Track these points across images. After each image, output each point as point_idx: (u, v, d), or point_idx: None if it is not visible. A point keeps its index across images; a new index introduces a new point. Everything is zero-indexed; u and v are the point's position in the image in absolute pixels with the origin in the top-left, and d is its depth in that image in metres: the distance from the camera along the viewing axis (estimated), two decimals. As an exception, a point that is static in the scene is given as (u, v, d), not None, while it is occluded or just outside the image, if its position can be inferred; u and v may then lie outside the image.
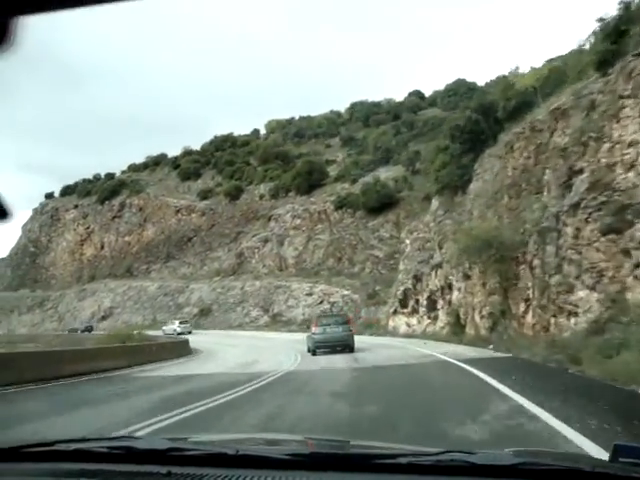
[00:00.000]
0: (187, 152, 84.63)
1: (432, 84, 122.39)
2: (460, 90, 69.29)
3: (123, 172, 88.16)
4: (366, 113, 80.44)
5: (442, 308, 20.61)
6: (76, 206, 79.68)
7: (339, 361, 14.97)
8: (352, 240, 42.03)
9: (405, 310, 25.20)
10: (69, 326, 60.87)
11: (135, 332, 28.53)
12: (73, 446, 1.77)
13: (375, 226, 41.28)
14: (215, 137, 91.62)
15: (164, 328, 40.88)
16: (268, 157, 68.53)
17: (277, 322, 38.93)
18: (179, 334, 37.76)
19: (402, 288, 25.12)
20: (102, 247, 73.51)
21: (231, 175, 69.00)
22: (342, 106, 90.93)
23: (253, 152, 75.31)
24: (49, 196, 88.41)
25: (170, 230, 66.68)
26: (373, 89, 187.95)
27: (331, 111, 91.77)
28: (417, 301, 23.64)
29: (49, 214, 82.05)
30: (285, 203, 53.06)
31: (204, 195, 67.73)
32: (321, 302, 36.45)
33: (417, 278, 23.24)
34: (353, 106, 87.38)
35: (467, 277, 16.98)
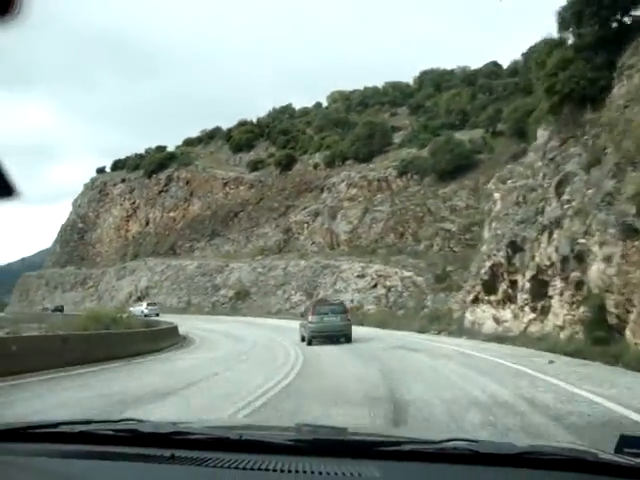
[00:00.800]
0: (241, 123, 78.47)
1: (510, 55, 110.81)
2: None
3: (177, 147, 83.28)
4: (437, 81, 71.11)
5: (560, 294, 12.48)
6: (123, 180, 75.23)
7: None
8: (418, 211, 33.94)
9: (492, 297, 17.07)
10: (107, 305, 56.38)
11: (121, 315, 21.99)
12: (78, 428, 1.76)
13: (447, 194, 32.98)
14: (273, 109, 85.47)
15: (131, 309, 39.54)
16: (326, 125, 61.07)
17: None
18: (145, 316, 38.80)
19: (488, 265, 17.03)
20: (147, 223, 68.55)
21: (284, 145, 62.20)
22: (410, 78, 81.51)
23: (311, 122, 68.23)
24: (100, 171, 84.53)
25: (216, 205, 60.66)
26: (444, 60, 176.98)
27: (398, 82, 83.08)
28: (513, 283, 15.51)
29: (98, 189, 78.00)
30: (341, 172, 45.43)
31: (254, 166, 61.19)
32: (374, 286, 28.80)
33: (514, 247, 15.07)
34: (423, 74, 78.18)
35: (632, 233, 8.83)
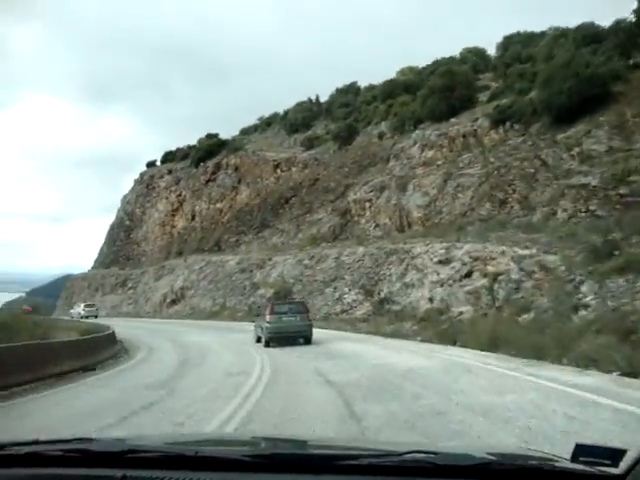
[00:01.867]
0: (299, 103, 69.39)
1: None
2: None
3: (234, 137, 75.37)
4: (525, 45, 58.84)
5: None
6: (170, 171, 67.96)
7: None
8: (526, 168, 23.03)
9: None
10: (142, 309, 48.78)
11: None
12: (26, 449, 1.69)
13: (572, 138, 21.87)
14: (336, 89, 75.87)
15: (71, 311, 40.14)
16: (394, 90, 50.63)
17: (384, 312, 21.40)
18: (82, 317, 38.18)
19: None
20: (193, 217, 60.68)
21: (345, 117, 52.42)
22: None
23: (377, 96, 58.01)
24: (150, 164, 77.67)
25: (266, 191, 51.72)
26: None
27: (477, 47, 71.05)
28: None
29: (145, 183, 71.14)
30: (413, 135, 34.95)
31: (309, 144, 51.80)
32: (468, 275, 18.16)
33: None
34: (507, 39, 65.89)
35: None
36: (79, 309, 42.66)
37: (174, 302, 44.33)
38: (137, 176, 75.96)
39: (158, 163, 76.16)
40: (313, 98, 69.26)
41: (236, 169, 57.80)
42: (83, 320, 34.24)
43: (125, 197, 74.41)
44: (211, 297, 39.29)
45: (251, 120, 77.60)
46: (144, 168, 76.75)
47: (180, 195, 63.59)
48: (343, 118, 51.89)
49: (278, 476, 1.48)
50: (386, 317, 20.76)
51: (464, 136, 28.77)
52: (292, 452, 1.78)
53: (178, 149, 74.26)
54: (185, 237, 59.65)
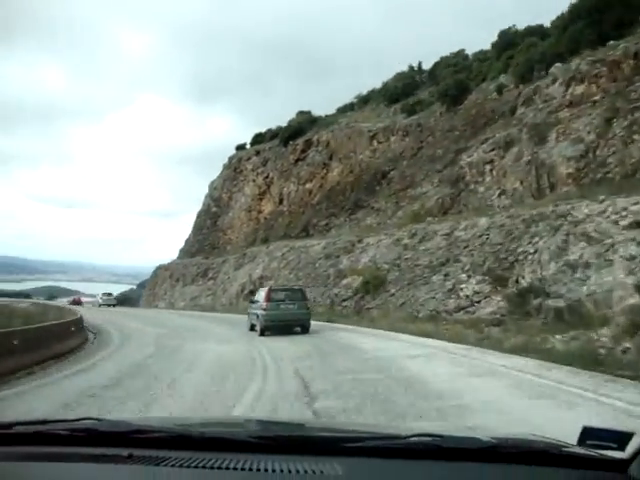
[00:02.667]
0: (399, 73, 61.34)
1: None
2: None
3: (327, 115, 68.64)
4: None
5: None
6: (257, 152, 62.40)
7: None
8: None
9: None
10: (219, 301, 43.41)
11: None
12: (33, 428, 1.70)
13: None
14: (441, 57, 66.87)
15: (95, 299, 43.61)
16: (513, 39, 41.27)
17: (531, 309, 13.17)
18: (100, 305, 42.24)
19: None
20: (280, 201, 54.63)
21: (452, 75, 43.80)
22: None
23: (488, 56, 48.73)
24: (240, 148, 72.59)
25: (360, 167, 44.47)
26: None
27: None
28: None
29: (233, 167, 66.15)
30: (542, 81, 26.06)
31: (410, 109, 43.82)
32: None
33: None
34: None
35: None
36: (98, 297, 44.93)
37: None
38: (226, 160, 71.33)
39: (248, 146, 71.08)
40: (414, 66, 61.23)
41: (327, 145, 51.01)
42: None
43: (212, 183, 70.03)
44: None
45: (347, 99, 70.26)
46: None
47: (267, 177, 57.87)
48: (450, 76, 43.29)
49: (284, 457, 1.47)
50: (536, 319, 12.71)
51: (636, 55, 19.77)
52: (298, 434, 1.78)
53: (268, 130, 68.68)
54: (272, 223, 53.80)
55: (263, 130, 69.96)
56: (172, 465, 1.43)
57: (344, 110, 68.67)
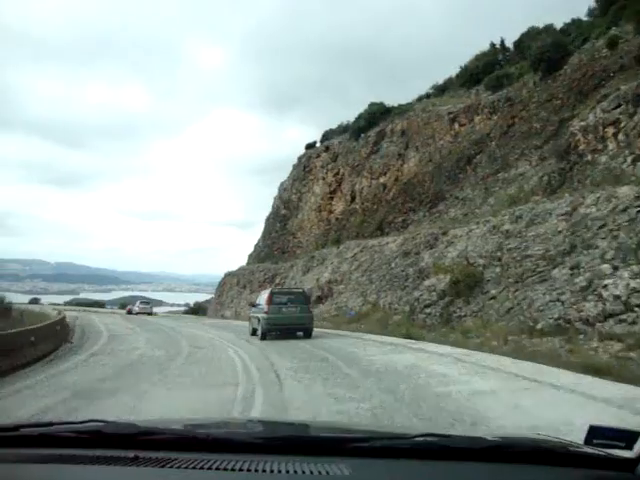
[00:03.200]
0: (479, 54, 55.22)
1: None
2: None
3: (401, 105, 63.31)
4: None
5: None
6: (327, 148, 58.11)
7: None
8: None
9: None
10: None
11: None
12: (39, 430, 1.69)
13: None
14: (528, 28, 59.95)
15: (131, 306, 46.37)
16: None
17: None
18: (136, 313, 44.28)
19: None
20: (352, 198, 50.05)
21: (543, 47, 37.50)
22: None
23: (584, 21, 41.92)
24: (310, 146, 68.50)
25: (440, 155, 39.16)
26: None
27: None
28: None
29: (302, 166, 62.19)
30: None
31: (496, 84, 37.98)
32: None
33: None
34: None
35: None
36: (135, 306, 45.81)
37: (320, 300, 33.74)
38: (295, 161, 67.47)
39: (318, 145, 66.91)
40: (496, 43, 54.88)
41: (402, 134, 45.97)
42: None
43: (282, 184, 66.37)
44: (362, 293, 27.82)
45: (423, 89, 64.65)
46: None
47: (338, 173, 53.45)
48: (541, 48, 37.09)
49: (290, 458, 1.46)
50: None
51: None
52: (304, 435, 1.77)
53: (339, 126, 64.25)
54: (343, 222, 49.26)
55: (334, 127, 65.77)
56: (178, 467, 1.43)
57: (419, 100, 63.31)
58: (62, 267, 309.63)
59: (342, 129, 59.90)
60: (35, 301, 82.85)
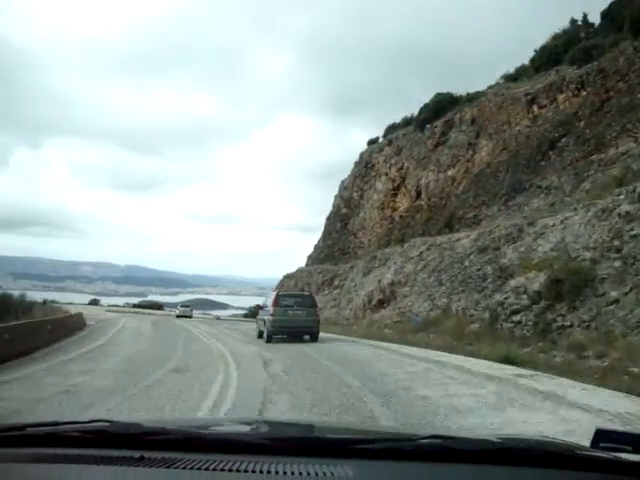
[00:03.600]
0: (557, 33, 50.00)
1: None
2: None
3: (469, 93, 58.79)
4: None
5: None
6: (390, 142, 54.42)
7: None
8: None
9: None
10: (344, 312, 36.18)
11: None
12: (44, 430, 1.69)
13: None
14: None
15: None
16: None
17: None
18: (177, 316, 45.31)
19: None
20: (418, 194, 46.17)
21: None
22: None
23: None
24: (372, 142, 64.92)
25: (517, 141, 34.84)
26: None
27: None
28: None
29: (364, 162, 58.79)
30: None
31: (583, 56, 33.19)
32: None
33: None
34: None
35: None
36: (177, 309, 47.34)
37: (381, 304, 30.19)
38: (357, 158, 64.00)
39: (381, 140, 63.22)
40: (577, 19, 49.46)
41: (472, 122, 41.74)
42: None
43: (342, 182, 63.09)
44: (429, 296, 24.04)
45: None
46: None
47: (402, 168, 49.64)
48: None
49: (294, 459, 1.47)
50: None
51: None
52: (309, 435, 1.78)
53: (403, 118, 60.32)
54: (408, 220, 45.45)
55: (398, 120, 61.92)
56: (184, 467, 1.43)
57: (490, 88, 58.49)
58: (131, 270, 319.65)
59: (406, 122, 56.11)
60: (95, 302, 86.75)
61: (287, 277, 58.23)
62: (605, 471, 1.39)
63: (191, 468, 1.41)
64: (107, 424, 1.77)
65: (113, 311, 57.00)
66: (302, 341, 17.75)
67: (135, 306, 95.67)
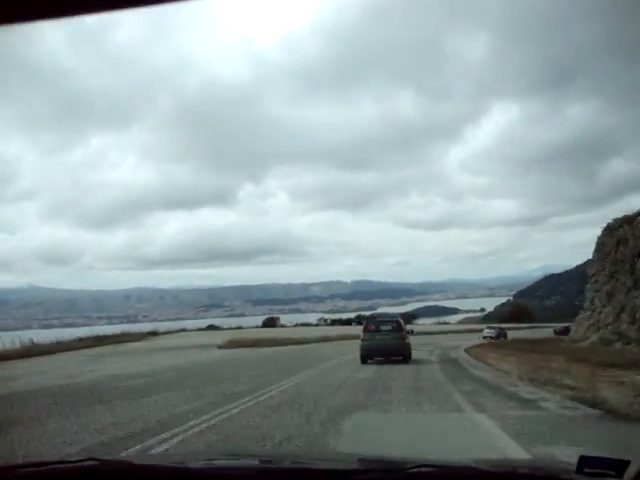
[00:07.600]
0: None
1: None
2: None
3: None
4: None
5: None
6: None
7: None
8: None
9: None
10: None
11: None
12: (34, 470, 1.73)
13: None
14: None
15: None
16: None
17: None
18: (484, 337, 44.61)
19: None
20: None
21: None
22: None
23: None
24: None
25: None
26: None
27: None
28: None
29: None
30: None
31: None
32: None
33: None
34: None
35: None
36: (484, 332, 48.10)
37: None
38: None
39: None
40: None
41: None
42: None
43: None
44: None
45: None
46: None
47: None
48: None
49: None
50: None
51: None
52: (298, 467, 1.81)
53: None
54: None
55: None
56: None
57: None
58: (358, 285, 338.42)
59: None
60: (271, 322, 71.19)
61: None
62: None
63: None
64: (96, 462, 1.80)
65: (281, 341, 38.93)
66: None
67: (335, 323, 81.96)
